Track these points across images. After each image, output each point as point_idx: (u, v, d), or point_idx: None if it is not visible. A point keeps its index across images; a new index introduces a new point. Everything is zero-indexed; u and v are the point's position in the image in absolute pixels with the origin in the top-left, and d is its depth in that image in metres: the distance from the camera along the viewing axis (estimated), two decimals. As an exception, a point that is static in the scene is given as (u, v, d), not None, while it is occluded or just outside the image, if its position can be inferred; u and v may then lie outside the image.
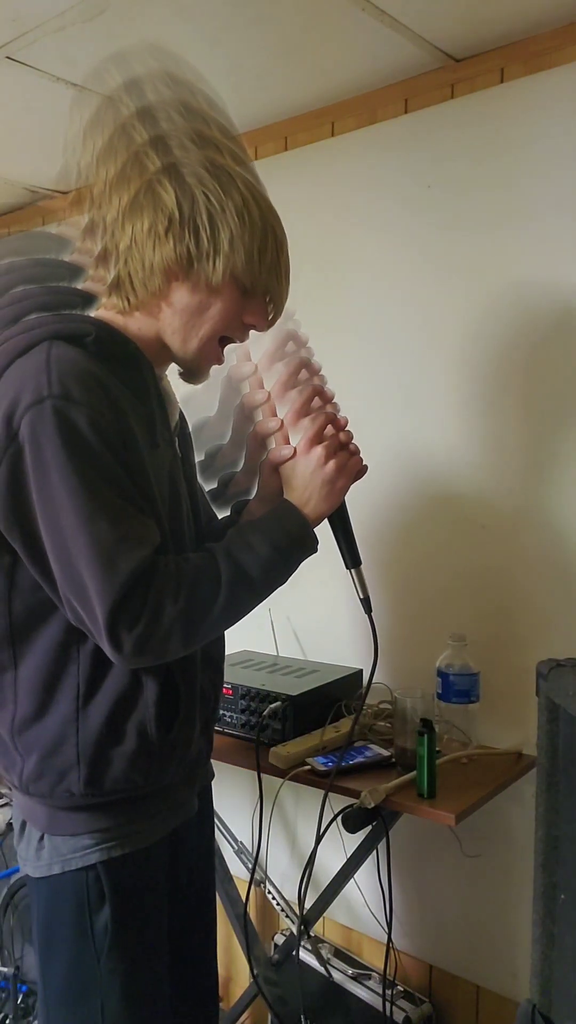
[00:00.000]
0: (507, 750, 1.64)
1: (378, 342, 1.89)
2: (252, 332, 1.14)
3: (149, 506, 1.02)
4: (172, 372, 1.17)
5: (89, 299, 1.07)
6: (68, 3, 1.50)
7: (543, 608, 1.68)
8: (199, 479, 1.25)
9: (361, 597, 1.22)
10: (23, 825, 1.13)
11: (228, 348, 1.14)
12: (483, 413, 1.74)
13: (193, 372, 1.13)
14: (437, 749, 1.49)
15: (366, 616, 1.22)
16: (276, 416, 1.16)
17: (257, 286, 1.07)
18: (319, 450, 1.12)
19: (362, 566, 1.22)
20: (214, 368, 1.15)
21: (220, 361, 1.14)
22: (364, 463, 1.17)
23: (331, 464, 1.12)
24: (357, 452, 1.16)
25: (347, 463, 1.14)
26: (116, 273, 1.04)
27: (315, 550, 1.12)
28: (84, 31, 1.58)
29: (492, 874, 1.77)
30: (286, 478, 1.14)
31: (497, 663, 1.71)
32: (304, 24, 1.58)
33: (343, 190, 1.93)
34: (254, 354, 1.18)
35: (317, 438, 1.13)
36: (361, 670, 1.85)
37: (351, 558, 1.21)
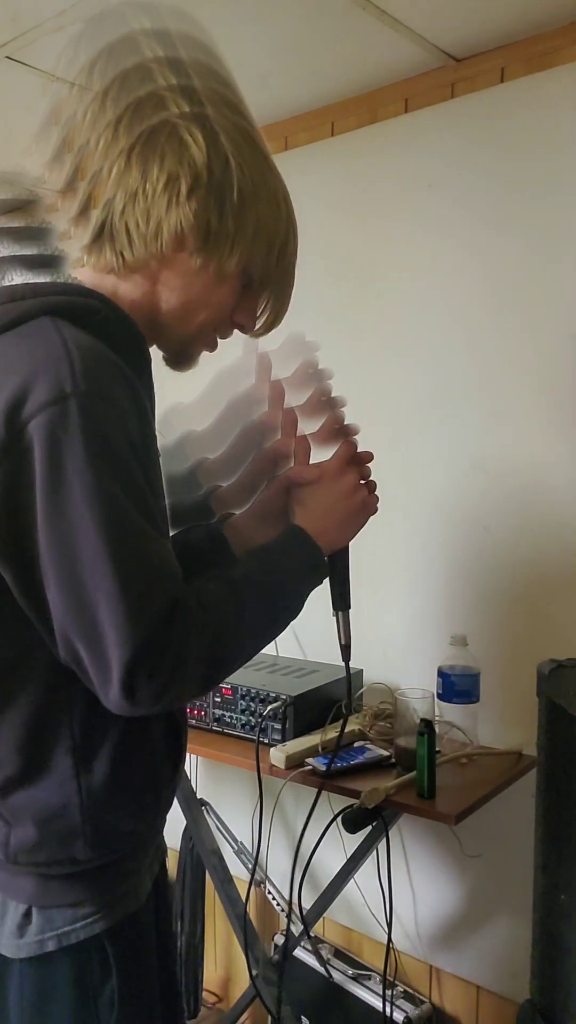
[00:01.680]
0: (507, 750, 1.64)
1: (378, 342, 1.89)
2: (275, 351, 1.06)
3: (164, 523, 0.90)
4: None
5: (44, 263, 0.90)
6: (68, 3, 1.50)
7: (544, 609, 1.68)
8: (168, 493, 1.08)
9: (342, 644, 1.13)
10: None
11: (240, 367, 1.07)
12: (481, 412, 1.74)
13: (183, 357, 0.99)
14: (437, 749, 1.49)
15: (345, 662, 1.14)
16: (301, 437, 1.05)
17: (264, 284, 0.95)
18: (350, 478, 1.02)
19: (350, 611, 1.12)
20: (217, 377, 1.07)
21: (212, 348, 1.00)
22: (378, 504, 1.07)
23: (360, 494, 1.02)
24: (375, 488, 1.06)
25: (368, 499, 1.03)
26: (107, 219, 0.86)
27: (322, 582, 1.02)
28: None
29: (492, 874, 1.77)
30: (305, 500, 1.02)
31: (498, 663, 1.70)
32: (304, 24, 1.58)
33: (343, 190, 1.93)
34: (271, 375, 1.11)
35: (348, 465, 1.02)
36: (361, 670, 1.85)
37: (343, 601, 1.10)
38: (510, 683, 1.68)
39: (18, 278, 0.86)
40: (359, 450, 1.05)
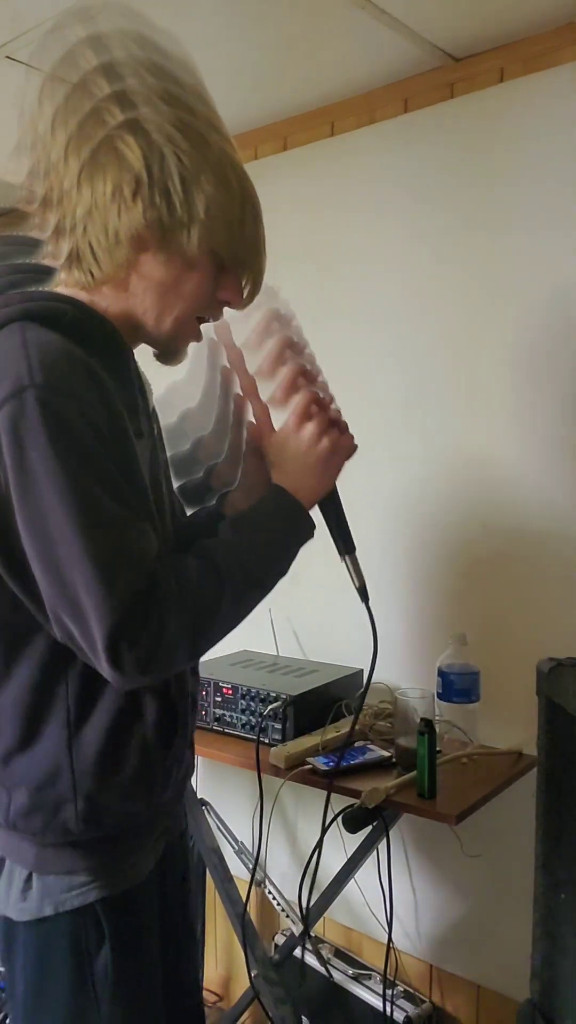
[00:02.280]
0: (507, 750, 1.64)
1: (378, 341, 1.89)
2: (235, 312, 1.06)
3: (143, 506, 0.93)
4: (142, 353, 1.13)
5: (50, 273, 0.97)
6: (68, 2, 1.49)
7: (544, 608, 1.68)
8: (174, 474, 1.15)
9: (357, 586, 1.14)
10: (0, 862, 1.01)
11: (209, 330, 1.07)
12: (483, 410, 1.74)
13: (169, 352, 1.03)
14: (437, 749, 1.49)
15: (364, 607, 1.15)
16: (260, 398, 1.08)
17: (236, 259, 0.97)
18: (310, 427, 1.03)
19: (357, 553, 1.14)
20: (196, 350, 1.07)
21: (198, 338, 1.04)
22: (355, 441, 1.08)
23: (325, 441, 1.03)
24: (347, 429, 1.07)
25: (339, 440, 1.04)
26: (74, 244, 0.92)
27: (312, 535, 1.04)
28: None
29: (492, 874, 1.77)
30: (275, 461, 1.05)
31: (498, 663, 1.70)
32: (303, 23, 1.58)
33: (343, 190, 1.93)
34: (238, 336, 1.10)
35: (305, 414, 1.03)
36: (361, 670, 1.85)
37: (345, 545, 1.13)
38: (510, 683, 1.68)
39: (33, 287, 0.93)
40: (321, 395, 1.06)
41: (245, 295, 1.02)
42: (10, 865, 0.99)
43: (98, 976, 0.98)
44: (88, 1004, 0.98)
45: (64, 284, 0.96)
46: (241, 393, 1.10)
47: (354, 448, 1.08)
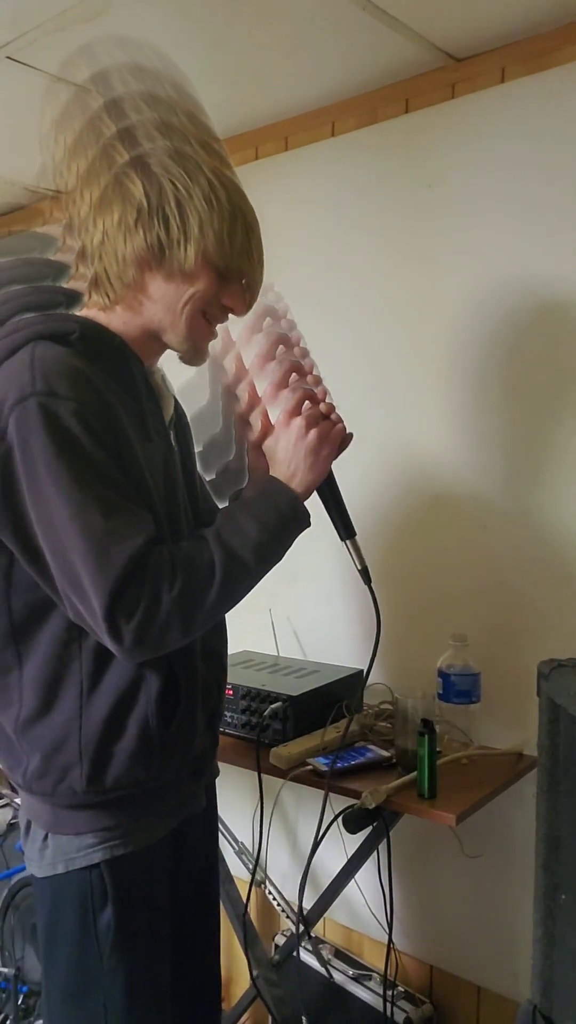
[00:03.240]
0: (508, 750, 1.64)
1: (379, 341, 1.89)
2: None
3: (143, 497, 1.02)
4: (169, 365, 1.17)
5: (74, 297, 1.08)
6: (68, 3, 1.50)
7: (544, 608, 1.67)
8: (200, 470, 1.25)
9: (359, 568, 1.20)
10: (28, 824, 1.13)
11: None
12: (486, 413, 1.74)
13: (190, 353, 1.13)
14: (438, 749, 1.49)
15: (366, 596, 1.20)
16: (256, 393, 1.16)
17: (231, 269, 1.07)
18: (298, 421, 1.12)
19: (357, 537, 1.20)
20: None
21: (213, 336, 1.14)
22: (349, 431, 1.16)
23: (313, 433, 1.12)
24: (340, 421, 1.15)
25: (330, 432, 1.13)
26: (93, 270, 1.06)
27: (308, 524, 1.12)
28: (84, 31, 1.58)
29: (493, 874, 1.77)
30: (270, 454, 1.14)
31: (498, 663, 1.70)
32: (304, 24, 1.58)
33: (343, 190, 1.93)
34: (234, 333, 1.18)
35: (295, 410, 1.13)
36: (361, 670, 1.85)
37: (345, 529, 1.19)
38: (510, 683, 1.68)
39: (19, 316, 1.04)
40: (313, 390, 1.15)
41: (246, 300, 1.12)
42: (33, 826, 1.11)
43: (101, 931, 1.08)
44: (91, 956, 1.08)
45: (87, 306, 1.09)
46: (239, 394, 1.18)
47: (348, 438, 1.16)
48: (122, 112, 1.01)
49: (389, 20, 1.56)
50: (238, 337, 1.18)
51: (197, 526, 1.18)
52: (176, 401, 1.22)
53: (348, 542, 1.20)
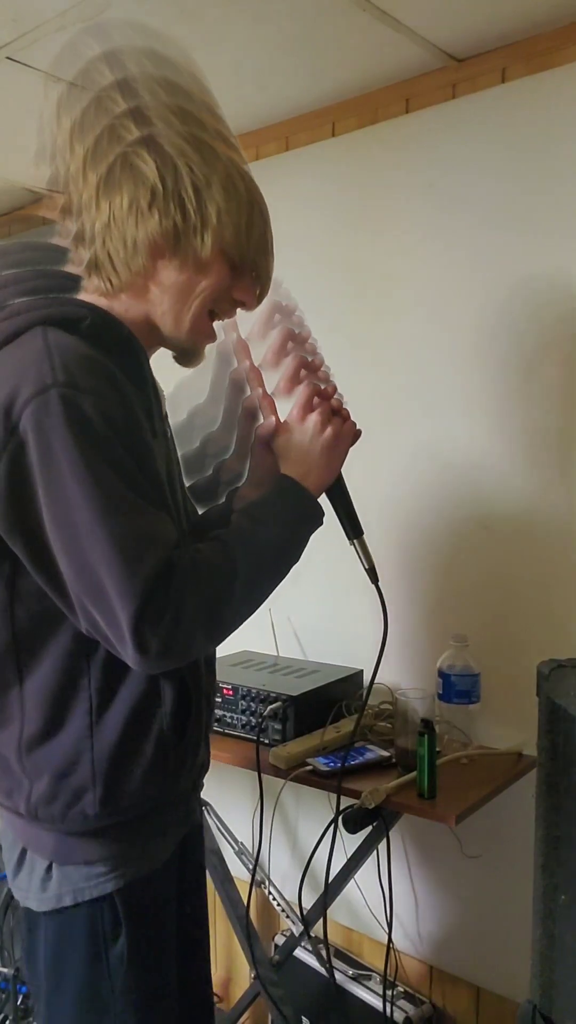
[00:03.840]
0: (507, 750, 1.64)
1: (379, 342, 1.89)
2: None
3: (160, 498, 0.97)
4: (157, 359, 1.15)
5: (79, 281, 1.02)
6: (68, 3, 1.50)
7: (544, 609, 1.67)
8: (185, 472, 1.20)
9: (366, 567, 1.18)
10: (21, 854, 1.04)
11: (218, 326, 1.10)
12: (486, 415, 1.74)
13: (188, 353, 1.09)
14: (437, 749, 1.49)
15: (370, 598, 1.18)
16: (265, 389, 1.12)
17: (245, 261, 1.03)
18: (314, 417, 1.08)
19: (364, 536, 1.18)
20: (210, 348, 1.12)
21: (213, 338, 1.09)
22: (358, 427, 1.13)
23: (328, 430, 1.08)
24: (349, 417, 1.12)
25: (342, 428, 1.10)
26: (93, 254, 0.98)
27: (322, 523, 1.08)
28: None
29: (492, 875, 1.77)
30: (282, 451, 1.10)
31: (498, 664, 1.70)
32: (305, 24, 1.58)
33: (344, 190, 1.93)
34: (242, 329, 1.15)
35: (308, 406, 1.09)
36: (362, 670, 1.85)
37: (353, 529, 1.17)
38: (510, 683, 1.68)
39: (21, 299, 0.96)
40: (324, 385, 1.12)
41: (257, 294, 1.08)
42: (31, 856, 1.02)
43: (113, 963, 1.01)
44: (104, 989, 1.01)
45: (85, 291, 1.01)
46: (249, 388, 1.14)
47: (358, 434, 1.13)
48: (135, 91, 0.94)
49: (389, 20, 1.56)
50: (249, 332, 1.14)
51: (189, 525, 1.14)
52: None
53: (355, 542, 1.18)
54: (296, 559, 1.05)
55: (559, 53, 1.60)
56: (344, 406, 1.12)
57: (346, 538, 1.18)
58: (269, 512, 1.04)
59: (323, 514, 1.09)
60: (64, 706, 0.97)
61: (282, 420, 1.11)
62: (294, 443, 1.09)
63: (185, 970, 1.22)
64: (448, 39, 1.65)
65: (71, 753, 0.97)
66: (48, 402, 0.86)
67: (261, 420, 1.13)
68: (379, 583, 1.19)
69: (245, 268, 1.04)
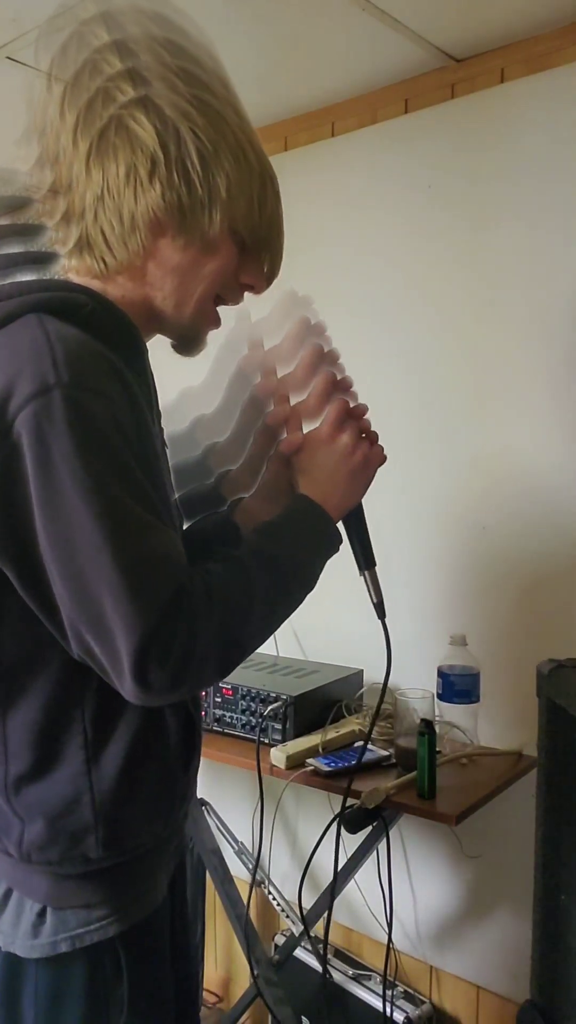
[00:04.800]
0: (507, 750, 1.64)
1: (377, 341, 1.89)
2: (266, 313, 1.04)
3: (167, 511, 0.87)
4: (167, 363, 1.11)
5: (50, 259, 0.90)
6: (69, 3, 1.50)
7: (544, 608, 1.68)
8: (179, 483, 1.09)
9: (375, 601, 1.11)
10: (6, 894, 0.92)
11: (237, 337, 1.05)
12: (482, 413, 1.74)
13: (190, 340, 0.99)
14: (437, 749, 1.49)
15: (379, 621, 1.12)
16: (291, 406, 1.03)
17: (257, 240, 0.93)
18: (344, 438, 0.99)
19: (376, 568, 1.11)
20: (211, 349, 1.04)
21: (217, 324, 0.99)
22: (384, 452, 1.04)
23: (359, 454, 0.99)
24: (377, 440, 1.03)
25: (370, 453, 1.01)
26: (83, 230, 0.87)
27: (338, 549, 0.99)
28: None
29: (492, 874, 1.77)
30: (304, 469, 1.00)
31: (498, 663, 1.70)
32: (304, 24, 1.58)
33: (343, 190, 1.93)
34: (267, 343, 1.08)
35: (339, 424, 1.00)
36: (361, 670, 1.85)
37: (365, 560, 1.09)
38: (510, 683, 1.68)
39: (30, 275, 0.86)
40: (354, 404, 1.03)
41: (267, 278, 0.99)
42: (18, 898, 0.91)
43: (113, 1010, 0.92)
44: None
45: (75, 271, 0.90)
46: (275, 403, 1.05)
47: (384, 459, 1.05)
48: (132, 52, 0.83)
49: (389, 20, 1.56)
50: (278, 348, 1.06)
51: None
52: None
53: (367, 573, 1.10)
54: (312, 586, 0.96)
55: (558, 54, 1.60)
56: (372, 430, 1.05)
57: (356, 567, 1.10)
58: (288, 535, 0.94)
59: (341, 540, 1.00)
60: (55, 742, 0.87)
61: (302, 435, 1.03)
62: (319, 462, 0.99)
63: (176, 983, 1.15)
64: (447, 39, 1.65)
65: (68, 792, 0.87)
66: (50, 404, 0.75)
67: (283, 436, 1.04)
68: (385, 619, 1.11)
69: (256, 248, 0.94)
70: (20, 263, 0.89)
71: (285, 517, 0.97)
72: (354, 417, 1.02)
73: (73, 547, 0.76)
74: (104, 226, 0.86)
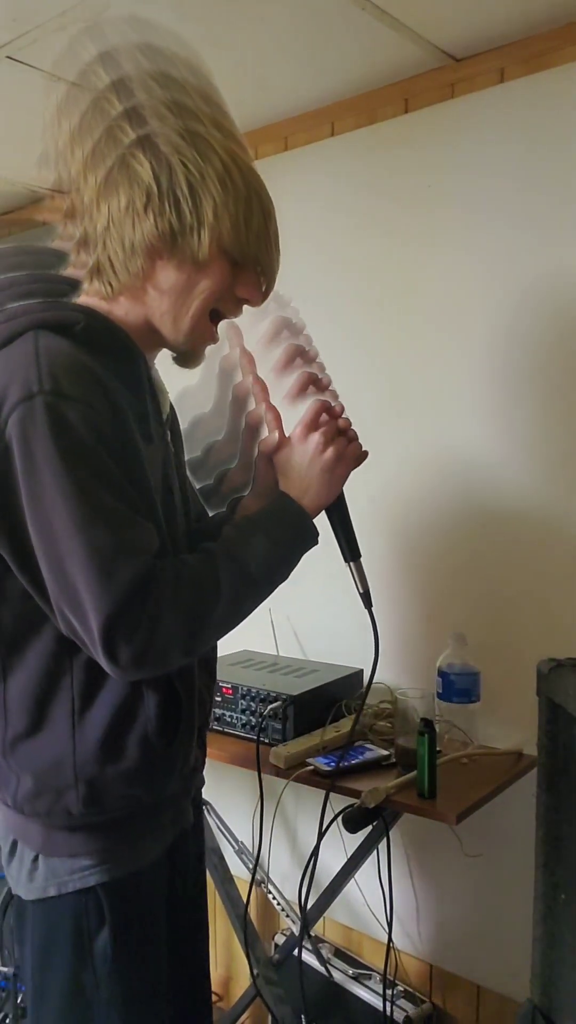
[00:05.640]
0: (507, 750, 1.64)
1: (375, 340, 1.89)
2: (245, 315, 1.09)
3: (147, 508, 0.97)
4: (161, 362, 1.14)
5: (77, 286, 1.02)
6: (68, 3, 1.50)
7: (543, 608, 1.68)
8: (190, 477, 1.19)
9: (360, 591, 1.16)
10: (13, 845, 1.07)
11: (222, 332, 1.09)
12: (484, 414, 1.74)
13: (188, 355, 1.07)
14: (438, 749, 1.49)
15: (366, 612, 1.16)
16: (270, 404, 1.11)
17: (247, 256, 1.01)
18: (316, 437, 1.06)
19: (361, 559, 1.16)
20: (211, 354, 1.10)
21: (215, 339, 1.08)
22: (364, 449, 1.11)
23: (330, 451, 1.06)
24: (356, 438, 1.10)
25: (346, 450, 1.08)
26: (96, 258, 0.98)
27: (316, 542, 1.07)
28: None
29: (492, 874, 1.77)
30: (282, 468, 1.08)
31: (498, 663, 1.71)
32: (304, 24, 1.58)
33: (343, 190, 1.93)
34: (248, 342, 1.13)
35: (313, 424, 1.07)
36: (361, 670, 1.85)
37: (350, 551, 1.15)
38: (510, 683, 1.68)
39: (17, 303, 0.97)
40: (331, 404, 1.10)
41: (262, 290, 1.06)
42: (20, 846, 1.05)
43: (98, 956, 1.02)
44: (88, 983, 1.03)
45: (86, 294, 1.01)
46: (253, 401, 1.12)
47: (363, 456, 1.11)
48: (130, 91, 0.94)
49: (389, 20, 1.56)
50: (254, 348, 1.12)
51: (190, 535, 1.13)
52: (170, 401, 1.16)
53: (352, 564, 1.15)
54: (284, 577, 1.04)
55: (557, 53, 1.60)
56: (351, 426, 1.10)
57: (341, 558, 1.15)
58: (261, 528, 1.03)
59: (317, 534, 1.07)
60: (46, 706, 0.99)
61: (287, 435, 1.10)
62: (294, 461, 1.07)
63: (183, 972, 1.23)
64: (447, 39, 1.65)
65: (54, 753, 0.98)
66: (33, 409, 0.87)
67: (265, 434, 1.11)
68: (372, 608, 1.16)
69: (247, 264, 1.02)
70: (50, 285, 1.02)
71: (260, 513, 1.07)
72: (332, 416, 1.09)
73: (53, 534, 0.88)
74: (111, 253, 0.98)
